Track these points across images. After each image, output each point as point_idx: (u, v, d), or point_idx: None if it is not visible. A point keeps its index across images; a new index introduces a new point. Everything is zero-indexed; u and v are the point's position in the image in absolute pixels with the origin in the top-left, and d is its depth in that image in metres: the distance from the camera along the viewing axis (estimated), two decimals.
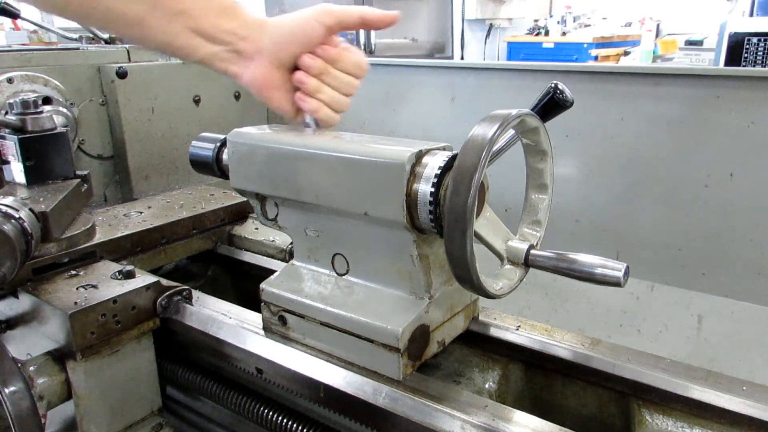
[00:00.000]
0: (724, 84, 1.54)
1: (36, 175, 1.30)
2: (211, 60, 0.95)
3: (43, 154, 1.30)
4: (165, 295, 1.13)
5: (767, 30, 4.06)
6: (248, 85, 0.97)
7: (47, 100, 1.75)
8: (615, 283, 0.75)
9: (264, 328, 1.05)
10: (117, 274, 1.13)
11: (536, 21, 7.31)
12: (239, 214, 1.58)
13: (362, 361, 0.92)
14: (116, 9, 0.89)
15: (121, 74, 1.90)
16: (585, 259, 0.78)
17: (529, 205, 0.91)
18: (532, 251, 0.84)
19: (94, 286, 1.09)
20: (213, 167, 1.08)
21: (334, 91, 0.99)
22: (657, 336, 1.74)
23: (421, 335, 0.91)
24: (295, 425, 1.03)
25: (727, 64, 4.20)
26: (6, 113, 1.30)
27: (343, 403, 0.92)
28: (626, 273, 0.75)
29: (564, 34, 6.92)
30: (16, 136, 1.26)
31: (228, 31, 0.93)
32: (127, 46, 2.05)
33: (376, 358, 0.90)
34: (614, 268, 0.75)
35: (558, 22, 7.05)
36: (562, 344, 0.97)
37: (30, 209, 1.09)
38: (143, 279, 1.12)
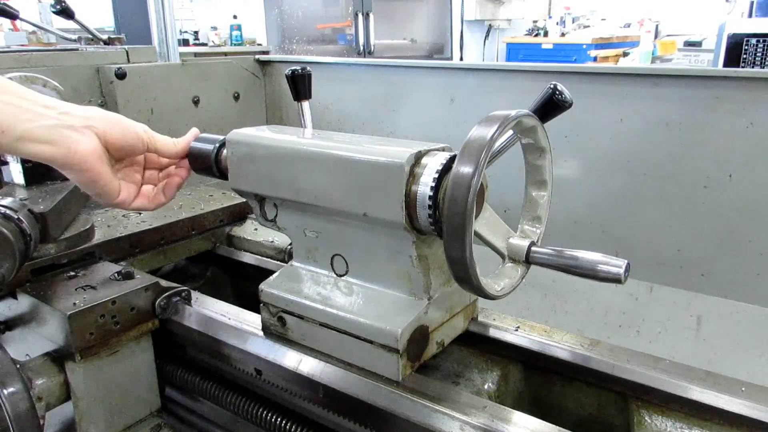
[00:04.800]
0: (723, 85, 1.54)
1: (35, 176, 1.30)
2: (35, 138, 0.83)
3: None
4: (164, 295, 1.13)
5: (766, 31, 4.07)
6: (83, 159, 0.87)
7: None
8: (616, 279, 0.75)
9: (263, 329, 1.05)
10: (116, 275, 1.13)
11: (535, 22, 7.32)
12: (238, 214, 1.58)
13: (361, 362, 0.92)
14: None
15: (120, 75, 1.90)
16: (586, 255, 0.78)
17: (529, 202, 0.91)
18: (533, 248, 0.84)
19: (93, 287, 1.09)
20: (212, 168, 1.08)
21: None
22: (656, 337, 1.74)
23: (420, 336, 0.91)
24: (294, 426, 1.03)
25: (725, 64, 4.21)
26: None
27: (342, 403, 0.92)
28: (627, 269, 0.75)
29: (563, 35, 6.92)
30: None
31: (45, 105, 0.85)
32: (126, 47, 2.05)
33: (375, 358, 0.90)
34: (615, 264, 0.75)
35: (557, 23, 7.06)
36: (561, 345, 0.97)
37: (29, 210, 1.09)
38: (142, 280, 1.12)
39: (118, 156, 0.95)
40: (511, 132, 0.88)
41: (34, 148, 0.84)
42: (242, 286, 1.57)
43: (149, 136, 0.99)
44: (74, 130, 0.86)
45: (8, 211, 1.04)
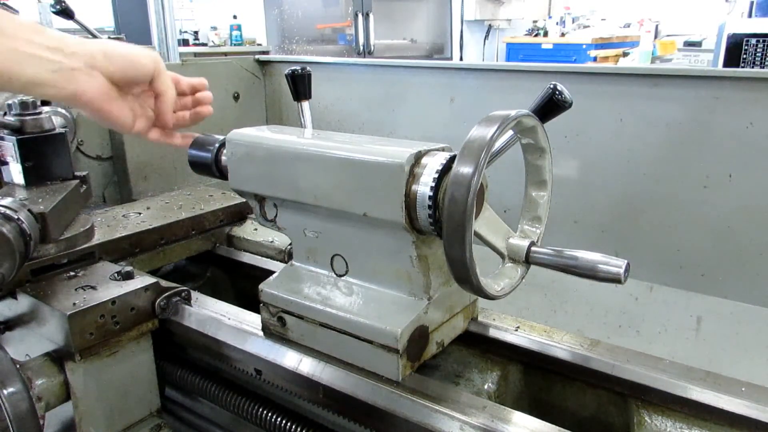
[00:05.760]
0: (722, 85, 1.54)
1: (35, 176, 1.29)
2: (41, 83, 0.85)
3: (42, 155, 1.30)
4: (164, 296, 1.13)
5: (766, 31, 4.07)
6: (90, 101, 0.90)
7: (46, 101, 1.74)
8: (616, 279, 0.75)
9: (263, 329, 1.05)
10: (116, 275, 1.13)
11: (535, 22, 7.31)
12: (238, 214, 1.58)
13: (361, 362, 0.92)
14: None
15: None
16: (586, 255, 0.78)
17: (529, 202, 0.91)
18: (533, 248, 0.84)
19: (93, 287, 1.09)
20: (212, 168, 1.08)
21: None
22: (656, 337, 1.74)
23: (420, 336, 0.91)
24: (294, 426, 1.03)
25: (725, 65, 4.21)
26: (5, 114, 1.30)
27: (342, 403, 0.92)
28: (627, 269, 0.75)
29: (563, 35, 6.91)
30: (14, 137, 1.26)
31: (51, 47, 0.85)
32: None
33: (375, 359, 0.90)
34: (615, 264, 0.75)
35: (557, 23, 7.05)
36: (561, 345, 0.97)
37: (29, 210, 1.09)
38: (142, 280, 1.12)
39: (128, 87, 0.97)
40: (511, 132, 0.88)
41: (41, 91, 0.87)
42: (242, 286, 1.57)
43: (158, 68, 0.99)
44: (80, 72, 0.88)
45: (8, 211, 1.04)
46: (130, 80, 0.96)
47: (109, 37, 2.22)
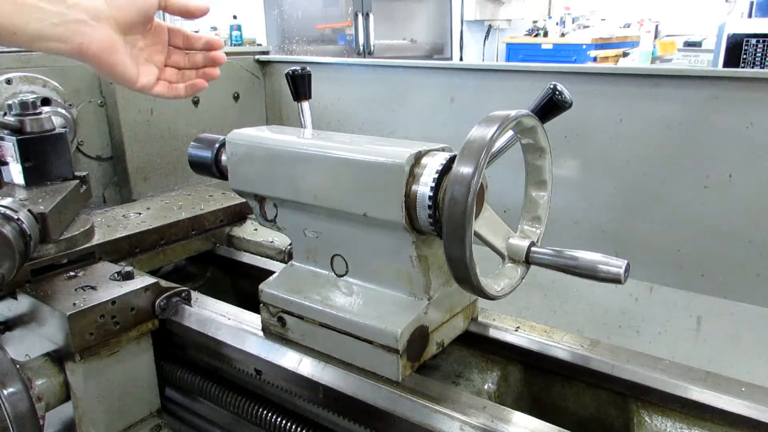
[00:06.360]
0: (722, 85, 1.54)
1: (35, 176, 1.29)
2: (46, 37, 0.84)
3: (42, 155, 1.30)
4: (164, 296, 1.13)
5: (766, 31, 4.07)
6: (96, 54, 0.89)
7: (46, 101, 1.75)
8: (616, 279, 0.75)
9: (263, 330, 1.05)
10: (116, 275, 1.13)
11: (535, 22, 7.32)
12: (238, 215, 1.58)
13: (361, 362, 0.92)
14: None
15: None
16: (586, 255, 0.78)
17: (529, 202, 0.91)
18: (533, 248, 0.84)
19: (93, 288, 1.09)
20: (212, 168, 1.08)
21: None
22: (656, 337, 1.74)
23: (420, 336, 0.91)
24: (294, 426, 1.03)
25: (725, 65, 4.21)
26: (5, 114, 1.30)
27: (342, 404, 0.92)
28: (627, 269, 0.75)
29: (563, 35, 6.92)
30: (14, 137, 1.26)
31: (52, 1, 0.84)
32: None
33: (375, 359, 0.90)
34: (615, 264, 0.75)
35: (557, 23, 7.05)
36: (561, 345, 0.97)
37: (29, 210, 1.09)
38: (142, 280, 1.12)
39: (135, 30, 0.95)
40: (511, 132, 0.88)
41: (48, 46, 0.85)
42: (242, 286, 1.57)
43: None
44: (83, 24, 0.87)
45: (8, 212, 1.04)
46: (136, 19, 0.93)
47: None
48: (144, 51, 0.98)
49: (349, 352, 0.93)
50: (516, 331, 1.02)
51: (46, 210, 1.13)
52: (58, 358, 1.05)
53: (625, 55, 6.20)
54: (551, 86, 0.96)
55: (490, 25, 7.54)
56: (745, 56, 4.13)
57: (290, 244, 1.06)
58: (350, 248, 0.96)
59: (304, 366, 0.96)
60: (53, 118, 1.36)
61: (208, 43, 1.06)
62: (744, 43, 4.12)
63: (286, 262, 1.40)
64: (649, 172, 1.69)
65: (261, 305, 1.04)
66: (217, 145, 1.08)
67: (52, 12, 0.84)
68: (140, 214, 1.48)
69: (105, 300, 1.04)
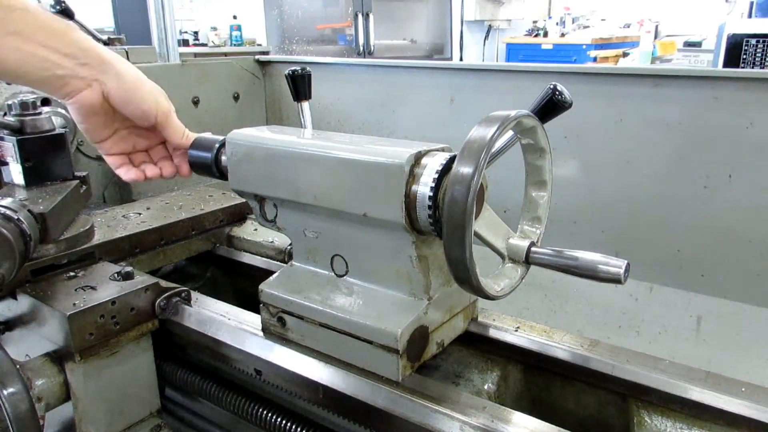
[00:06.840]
0: (722, 85, 1.54)
1: (35, 177, 1.29)
2: (46, 83, 0.90)
3: (42, 155, 1.29)
4: (164, 296, 1.13)
5: (765, 31, 4.07)
6: (78, 109, 0.95)
7: (46, 101, 1.74)
8: (616, 279, 0.75)
9: (263, 330, 1.05)
10: (116, 275, 1.13)
11: (535, 22, 7.32)
12: (238, 215, 1.58)
13: (361, 362, 0.92)
14: None
15: None
16: (586, 255, 0.78)
17: (529, 202, 0.91)
18: (533, 248, 0.84)
19: (93, 288, 1.09)
20: (212, 168, 1.08)
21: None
22: (656, 337, 1.74)
23: (420, 336, 0.91)
24: (294, 427, 1.03)
25: (725, 65, 4.21)
26: (4, 114, 1.30)
27: (342, 404, 0.92)
28: (627, 270, 0.75)
29: (563, 35, 6.92)
30: (14, 138, 1.26)
31: (65, 54, 0.88)
32: (125, 47, 2.05)
33: (375, 359, 0.90)
34: (615, 264, 0.75)
35: (557, 24, 7.06)
36: (561, 345, 0.97)
37: (29, 210, 1.09)
38: (142, 280, 1.12)
39: (120, 115, 0.99)
40: (511, 132, 0.88)
41: (40, 87, 0.91)
42: (242, 286, 1.57)
43: (165, 118, 1.02)
44: (82, 81, 0.91)
45: (8, 212, 1.04)
46: (126, 113, 0.98)
47: (109, 38, 2.23)
48: (123, 130, 1.04)
49: (349, 352, 0.93)
50: (516, 331, 1.02)
51: (46, 210, 1.13)
52: (58, 358, 1.05)
53: (625, 55, 6.20)
54: (551, 86, 0.96)
55: (490, 26, 7.55)
56: (745, 56, 4.13)
57: (290, 244, 1.06)
58: (350, 248, 0.96)
59: (304, 366, 0.96)
60: (53, 118, 1.36)
61: (175, 147, 1.10)
62: (744, 44, 4.12)
63: (286, 262, 1.40)
64: (649, 171, 1.69)
65: (261, 305, 1.04)
66: (217, 146, 1.08)
67: (60, 65, 0.88)
68: (140, 214, 1.48)
69: (105, 300, 1.04)
